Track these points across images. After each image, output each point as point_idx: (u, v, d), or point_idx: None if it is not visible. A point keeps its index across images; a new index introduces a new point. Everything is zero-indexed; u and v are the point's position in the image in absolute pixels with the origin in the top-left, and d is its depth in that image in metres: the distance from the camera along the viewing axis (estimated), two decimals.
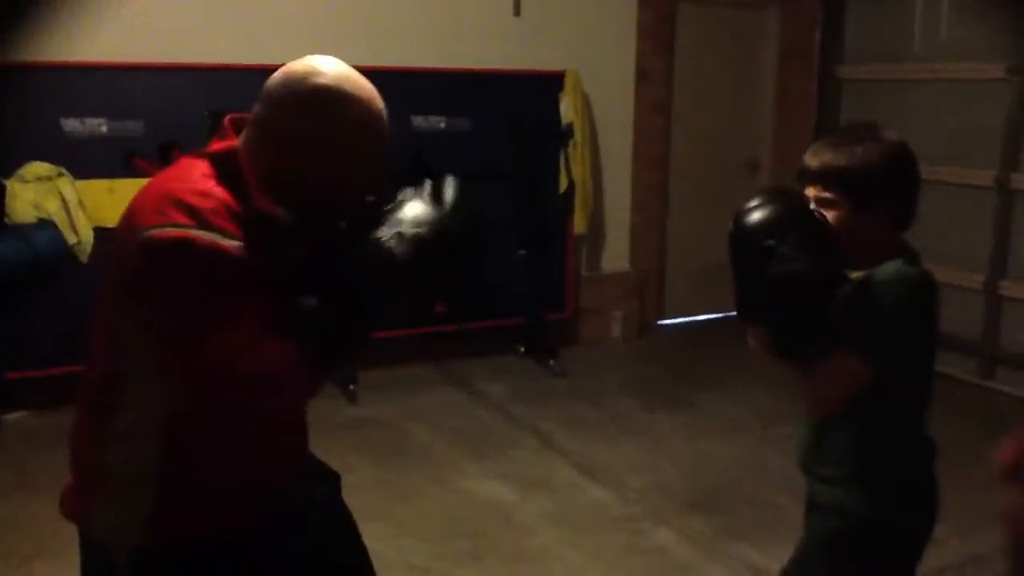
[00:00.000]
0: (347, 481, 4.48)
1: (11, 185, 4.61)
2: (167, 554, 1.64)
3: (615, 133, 6.40)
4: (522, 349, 6.07)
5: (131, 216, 1.58)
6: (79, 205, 4.71)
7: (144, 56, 4.93)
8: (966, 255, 5.84)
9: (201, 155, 1.65)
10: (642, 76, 6.45)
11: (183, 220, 1.50)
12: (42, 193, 4.63)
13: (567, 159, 5.93)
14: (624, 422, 5.09)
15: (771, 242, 1.76)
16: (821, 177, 1.91)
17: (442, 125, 5.64)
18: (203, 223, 1.51)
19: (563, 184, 5.96)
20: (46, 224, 4.63)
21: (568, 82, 5.93)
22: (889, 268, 1.88)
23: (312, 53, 5.00)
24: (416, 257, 1.62)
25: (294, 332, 1.56)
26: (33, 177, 4.65)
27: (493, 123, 5.75)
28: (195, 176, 1.59)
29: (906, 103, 6.23)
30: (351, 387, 5.26)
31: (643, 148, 6.54)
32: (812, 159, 1.93)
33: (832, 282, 1.81)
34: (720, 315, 7.09)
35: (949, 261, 5.92)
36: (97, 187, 4.79)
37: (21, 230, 4.57)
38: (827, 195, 1.89)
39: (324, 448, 4.70)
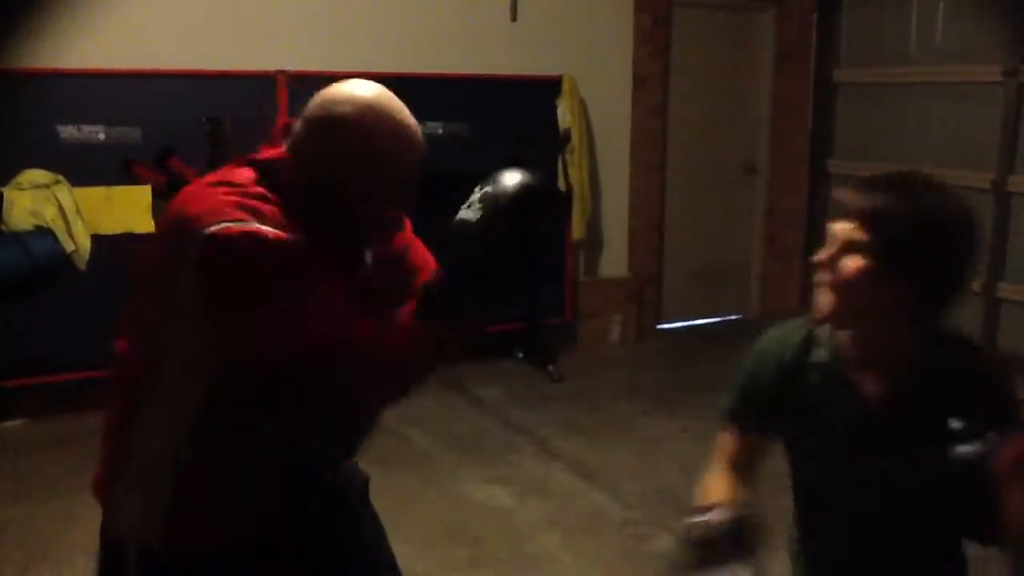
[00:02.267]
0: None
1: (8, 193, 4.61)
2: (180, 556, 1.65)
3: (612, 138, 6.41)
4: (520, 354, 6.07)
5: (182, 221, 1.56)
6: (77, 213, 4.71)
7: (141, 63, 4.93)
8: None
9: (247, 162, 1.67)
10: (639, 80, 6.45)
11: (245, 217, 1.53)
12: (39, 201, 4.63)
13: (565, 164, 5.94)
14: (623, 426, 5.09)
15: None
16: (859, 215, 1.54)
17: (439, 131, 5.64)
18: (263, 221, 1.54)
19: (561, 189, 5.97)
20: (44, 232, 4.63)
21: (565, 87, 5.93)
22: None
23: (309, 59, 5.04)
24: (487, 216, 1.70)
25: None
26: (30, 184, 4.65)
27: (490, 129, 5.75)
28: (244, 182, 1.61)
29: (902, 106, 6.24)
30: None
31: (640, 152, 6.55)
32: (855, 195, 1.56)
33: None
34: (718, 319, 7.10)
35: None
36: (95, 194, 4.79)
37: (18, 238, 4.57)
38: (861, 238, 1.53)
39: None
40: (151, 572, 1.66)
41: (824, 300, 1.58)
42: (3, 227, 4.58)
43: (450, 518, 3.99)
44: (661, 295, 6.86)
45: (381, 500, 4.23)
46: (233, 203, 1.54)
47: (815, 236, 6.83)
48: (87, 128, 4.83)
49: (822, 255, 1.58)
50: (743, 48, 7.04)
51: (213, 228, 1.50)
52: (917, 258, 1.51)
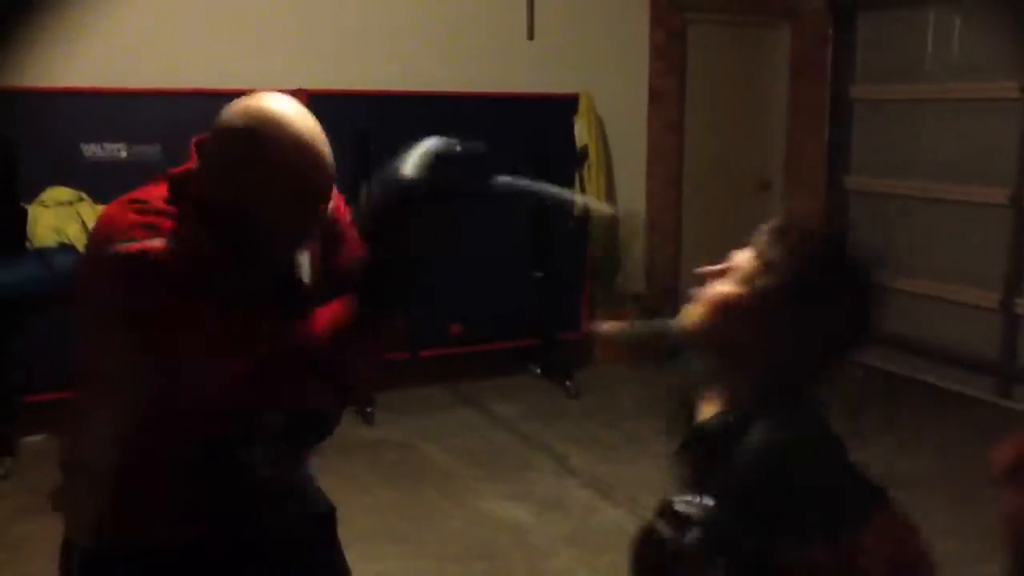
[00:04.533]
0: (364, 502, 4.50)
1: (32, 210, 4.67)
2: (116, 556, 1.73)
3: (629, 154, 6.43)
4: (538, 370, 6.08)
5: (96, 243, 1.66)
6: None
7: (163, 82, 5.00)
8: (982, 273, 5.83)
9: (163, 177, 1.70)
10: (655, 96, 6.48)
11: (142, 235, 1.56)
12: (63, 218, 4.69)
13: (582, 181, 5.96)
14: (640, 442, 5.08)
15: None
16: (760, 254, 1.47)
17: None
18: (160, 236, 1.57)
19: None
20: (66, 248, 4.68)
21: (582, 104, 5.96)
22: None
23: (330, 77, 5.09)
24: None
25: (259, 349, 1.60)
26: (54, 202, 4.71)
27: (508, 146, 5.75)
28: (150, 199, 1.65)
29: (919, 121, 6.24)
30: (368, 409, 5.28)
31: (656, 168, 6.57)
32: (764, 237, 1.49)
33: None
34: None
35: (965, 279, 5.91)
36: None
37: (42, 254, 4.62)
38: (752, 268, 1.48)
39: (341, 469, 4.71)
40: (92, 569, 1.75)
41: (694, 312, 1.54)
42: (27, 243, 4.63)
43: (468, 534, 4.00)
44: (677, 311, 6.84)
45: (400, 516, 4.25)
46: (134, 221, 1.58)
47: None
48: (110, 146, 4.90)
49: (710, 269, 1.54)
50: (759, 63, 7.05)
51: (114, 248, 1.56)
52: (787, 315, 1.42)
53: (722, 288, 1.49)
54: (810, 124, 6.91)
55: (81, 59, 4.90)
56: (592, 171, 5.97)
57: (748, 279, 1.46)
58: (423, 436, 5.07)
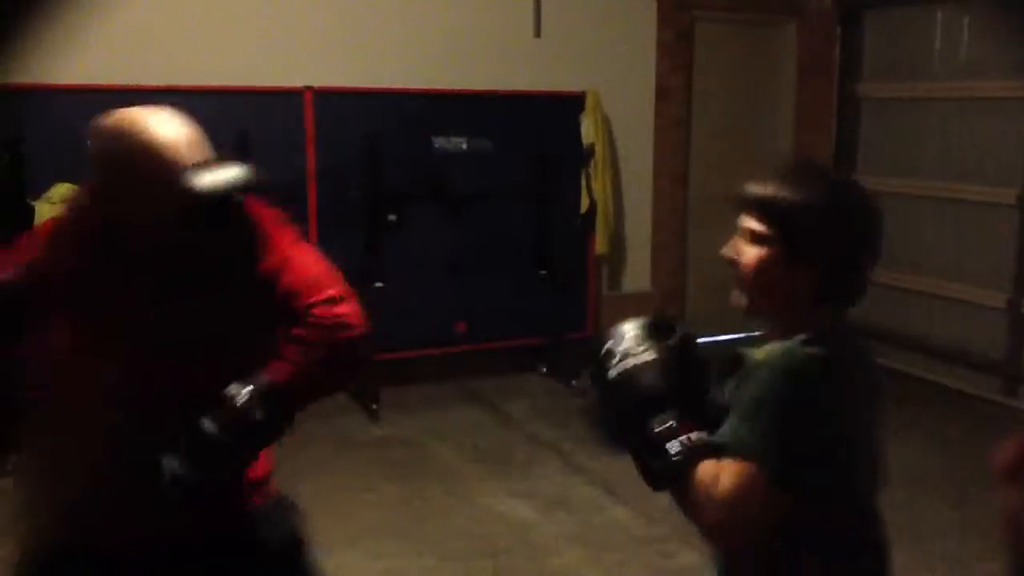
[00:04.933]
0: (369, 499, 4.51)
1: (39, 207, 4.68)
2: (87, 551, 1.77)
3: (635, 152, 6.43)
4: (544, 368, 6.08)
5: None
6: None
7: (170, 79, 5.00)
8: (989, 273, 5.82)
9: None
10: (661, 95, 6.48)
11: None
12: None
13: (588, 179, 5.96)
14: None
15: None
16: (755, 205, 1.58)
17: (464, 146, 5.68)
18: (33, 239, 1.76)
19: (584, 204, 5.99)
20: None
21: (588, 102, 5.96)
22: (778, 348, 1.54)
23: (336, 76, 5.07)
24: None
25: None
26: (60, 199, 4.71)
27: (515, 144, 5.79)
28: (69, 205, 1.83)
29: (926, 120, 6.22)
30: (373, 406, 5.29)
31: (663, 167, 6.56)
32: (750, 187, 1.61)
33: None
34: (741, 335, 7.08)
35: (972, 279, 5.90)
36: None
37: None
38: (760, 229, 1.57)
39: (346, 466, 4.72)
40: (63, 564, 1.78)
41: (735, 293, 1.64)
42: None
43: (474, 531, 4.00)
44: (684, 310, 6.86)
45: (406, 513, 4.26)
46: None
47: None
48: None
49: (727, 250, 1.62)
50: (766, 61, 7.04)
51: None
52: (811, 240, 1.53)
53: (749, 254, 1.58)
54: (817, 122, 6.90)
55: (87, 56, 4.92)
56: (599, 169, 5.97)
57: (761, 234, 1.56)
58: (428, 433, 5.08)
